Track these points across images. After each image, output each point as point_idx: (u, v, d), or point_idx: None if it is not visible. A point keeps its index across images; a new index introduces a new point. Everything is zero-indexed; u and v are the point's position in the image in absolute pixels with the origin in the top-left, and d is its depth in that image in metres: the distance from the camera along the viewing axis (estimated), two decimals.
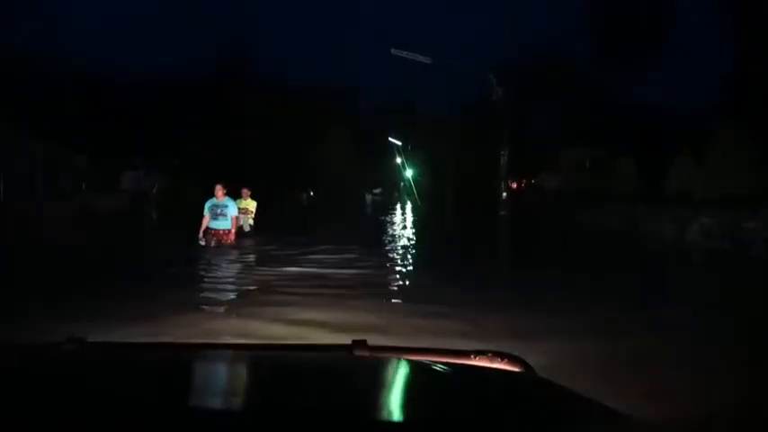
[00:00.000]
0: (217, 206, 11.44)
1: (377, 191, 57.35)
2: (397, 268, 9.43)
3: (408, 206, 37.05)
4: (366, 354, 1.47)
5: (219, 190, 11.46)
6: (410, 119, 49.60)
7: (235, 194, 12.61)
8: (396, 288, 7.62)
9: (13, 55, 30.71)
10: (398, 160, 54.34)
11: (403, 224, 20.08)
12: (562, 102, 30.85)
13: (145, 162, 31.19)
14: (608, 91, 29.64)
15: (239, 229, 13.17)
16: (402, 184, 58.09)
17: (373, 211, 34.09)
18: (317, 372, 1.40)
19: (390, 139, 51.58)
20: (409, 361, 1.48)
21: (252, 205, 13.92)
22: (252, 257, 10.55)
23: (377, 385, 1.33)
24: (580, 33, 31.00)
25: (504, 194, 24.16)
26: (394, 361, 1.52)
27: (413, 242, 13.92)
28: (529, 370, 1.45)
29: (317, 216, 26.40)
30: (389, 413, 1.11)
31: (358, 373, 1.40)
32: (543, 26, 28.62)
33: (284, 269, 8.76)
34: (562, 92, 30.13)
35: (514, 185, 28.59)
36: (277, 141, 39.60)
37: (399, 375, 1.41)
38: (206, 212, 11.44)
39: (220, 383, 1.40)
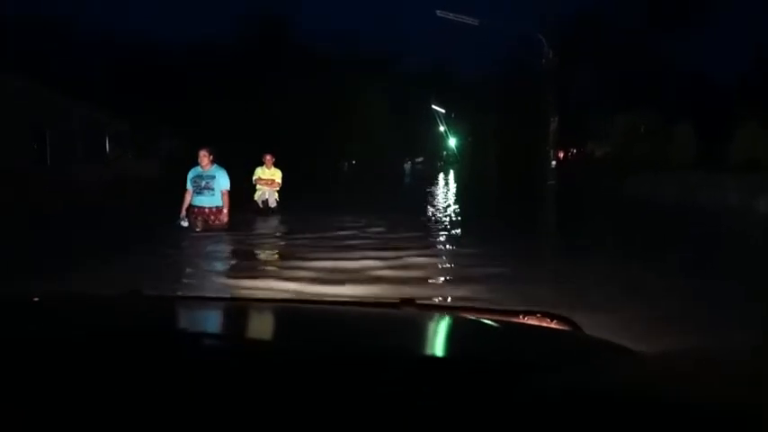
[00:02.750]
0: (201, 177, 8.95)
1: (419, 160, 56.55)
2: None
3: (452, 176, 36.05)
4: (414, 311, 1.50)
5: (204, 157, 8.96)
6: (453, 86, 48.49)
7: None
8: None
9: (56, 21, 30.91)
10: (441, 128, 53.44)
11: (448, 201, 18.32)
12: (612, 66, 29.55)
13: (181, 129, 31.08)
14: (660, 55, 28.22)
15: (264, 204, 11.65)
16: (445, 152, 57.26)
17: (416, 181, 33.19)
18: (364, 324, 1.41)
19: (433, 106, 50.59)
20: (457, 317, 1.51)
21: (278, 175, 11.83)
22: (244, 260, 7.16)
23: (424, 339, 1.37)
24: None
25: (554, 163, 23.31)
26: (442, 317, 1.55)
27: (467, 227, 10.29)
28: (579, 330, 1.39)
29: (359, 188, 25.43)
30: (435, 361, 1.09)
31: (405, 327, 1.39)
32: None
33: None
34: (612, 56, 28.79)
35: (561, 154, 27.52)
36: (316, 109, 39.18)
37: (447, 330, 1.41)
38: (188, 185, 9.01)
39: (270, 334, 1.42)
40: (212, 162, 9.04)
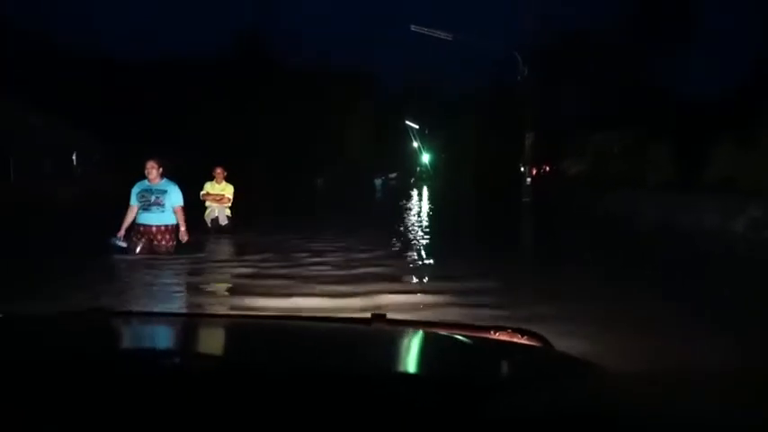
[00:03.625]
0: (150, 192, 7.87)
1: (393, 176, 56.32)
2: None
3: (425, 193, 35.80)
4: (385, 327, 1.48)
5: (153, 168, 7.86)
6: (428, 103, 48.55)
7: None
8: None
9: (26, 35, 30.14)
10: (415, 145, 53.40)
11: (420, 219, 16.82)
12: (588, 85, 29.70)
13: (155, 145, 30.40)
14: (636, 73, 28.45)
15: (214, 223, 10.64)
16: (418, 169, 57.18)
17: (389, 197, 32.76)
18: (335, 341, 1.39)
19: (407, 122, 50.56)
20: (428, 333, 1.50)
21: (228, 190, 10.89)
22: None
23: (395, 355, 1.35)
24: (609, 16, 29.77)
25: (528, 180, 23.20)
26: (413, 333, 1.55)
27: (439, 251, 9.25)
28: (549, 346, 1.41)
29: (331, 205, 24.88)
30: (406, 380, 1.06)
31: (377, 344, 1.37)
32: (570, 8, 27.32)
33: None
34: (588, 75, 28.95)
35: (533, 171, 27.52)
36: (292, 125, 38.88)
37: (418, 346, 1.40)
38: (133, 201, 7.91)
39: (238, 351, 1.35)
40: (162, 175, 7.98)
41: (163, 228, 7.89)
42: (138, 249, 7.74)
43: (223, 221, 10.71)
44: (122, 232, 7.76)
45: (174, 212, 7.95)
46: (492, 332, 1.43)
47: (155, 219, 7.86)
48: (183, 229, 8.01)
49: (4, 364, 1.01)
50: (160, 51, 40.91)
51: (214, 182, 10.92)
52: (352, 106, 44.35)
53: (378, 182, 49.86)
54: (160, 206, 7.85)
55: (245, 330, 1.56)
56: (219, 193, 10.80)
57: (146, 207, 7.83)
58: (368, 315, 1.51)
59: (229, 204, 10.87)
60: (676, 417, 0.90)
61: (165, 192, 7.88)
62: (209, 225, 10.65)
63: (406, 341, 1.45)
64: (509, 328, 1.43)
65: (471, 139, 39.38)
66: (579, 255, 9.45)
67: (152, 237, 7.85)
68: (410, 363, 1.30)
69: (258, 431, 0.77)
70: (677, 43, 26.88)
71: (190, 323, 1.79)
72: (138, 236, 7.81)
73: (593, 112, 28.61)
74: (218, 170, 10.96)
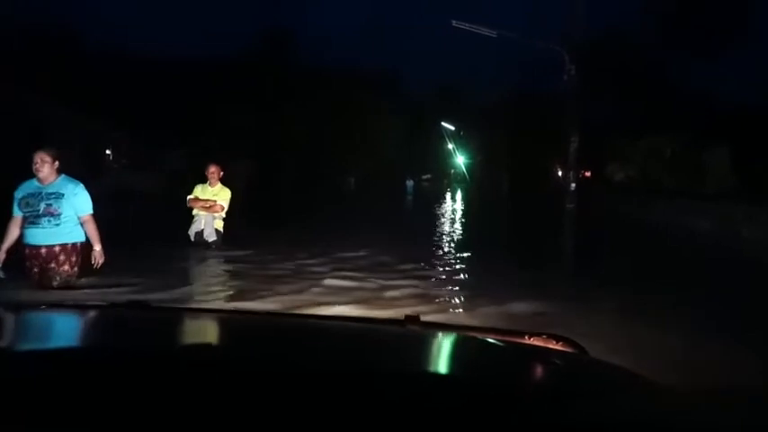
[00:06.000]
0: (37, 196, 5.22)
1: (426, 177, 55.46)
2: None
3: (460, 197, 34.52)
4: (419, 329, 1.48)
5: (46, 164, 5.21)
6: (465, 102, 47.60)
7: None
8: None
9: (56, 30, 30.24)
10: (450, 146, 52.44)
11: (456, 232, 14.97)
12: (633, 87, 28.53)
13: (185, 141, 30.10)
14: (687, 77, 27.22)
15: (197, 237, 8.08)
16: (452, 171, 56.26)
17: (422, 203, 31.50)
18: (369, 342, 1.39)
19: (443, 123, 49.65)
20: (462, 336, 1.52)
21: (222, 196, 8.25)
22: None
23: (428, 357, 1.37)
24: (652, 16, 28.58)
25: (573, 185, 22.04)
26: (446, 336, 1.55)
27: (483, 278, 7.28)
28: (583, 352, 1.38)
29: (365, 211, 22.71)
30: (439, 382, 1.06)
31: (410, 345, 1.37)
32: (615, 9, 26.29)
33: None
34: (636, 76, 27.76)
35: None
36: (322, 124, 38.32)
37: (451, 349, 1.40)
38: (16, 211, 5.28)
39: (275, 349, 1.32)
40: (58, 172, 5.35)
41: (57, 248, 5.29)
42: (33, 278, 5.30)
43: (210, 236, 8.13)
44: (2, 256, 5.23)
45: (82, 224, 5.41)
46: (526, 337, 1.42)
47: (46, 236, 5.25)
48: (97, 248, 5.42)
49: (56, 353, 1.08)
50: (187, 51, 40.62)
51: (207, 184, 8.39)
52: (384, 105, 43.57)
53: (409, 183, 48.96)
54: (53, 216, 5.23)
55: (284, 329, 1.55)
56: (210, 199, 8.20)
57: (33, 219, 5.21)
58: (401, 317, 1.50)
59: (222, 214, 8.31)
60: (707, 426, 0.88)
61: (61, 196, 5.27)
62: (192, 240, 8.18)
63: (439, 343, 1.44)
64: (544, 334, 1.42)
65: (508, 142, 38.32)
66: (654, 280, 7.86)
67: (42, 262, 5.27)
68: (443, 365, 1.29)
69: (295, 427, 0.76)
70: (725, 46, 25.58)
71: (231, 320, 1.77)
72: (28, 261, 5.30)
73: (637, 115, 27.42)
74: (213, 169, 8.38)
